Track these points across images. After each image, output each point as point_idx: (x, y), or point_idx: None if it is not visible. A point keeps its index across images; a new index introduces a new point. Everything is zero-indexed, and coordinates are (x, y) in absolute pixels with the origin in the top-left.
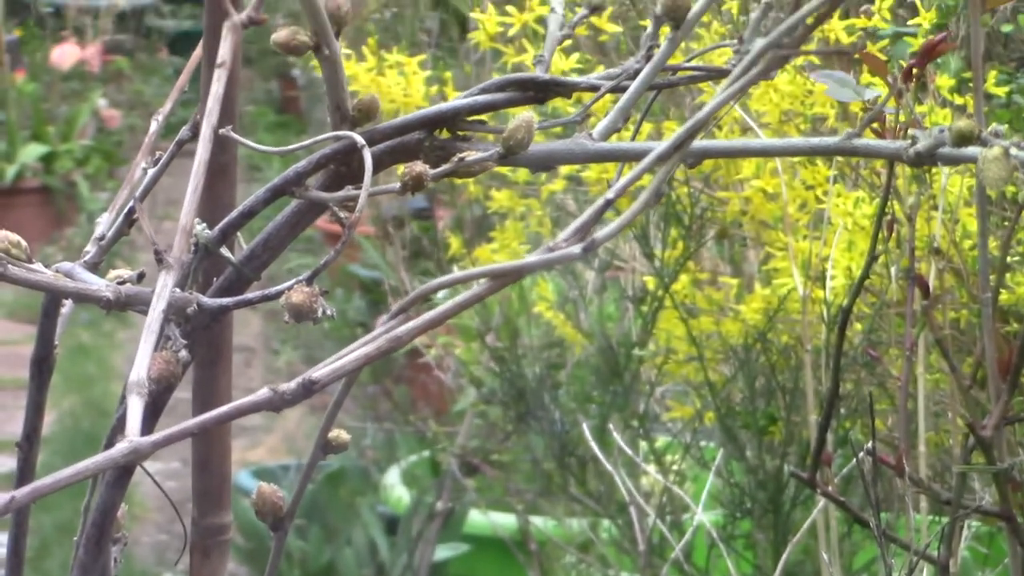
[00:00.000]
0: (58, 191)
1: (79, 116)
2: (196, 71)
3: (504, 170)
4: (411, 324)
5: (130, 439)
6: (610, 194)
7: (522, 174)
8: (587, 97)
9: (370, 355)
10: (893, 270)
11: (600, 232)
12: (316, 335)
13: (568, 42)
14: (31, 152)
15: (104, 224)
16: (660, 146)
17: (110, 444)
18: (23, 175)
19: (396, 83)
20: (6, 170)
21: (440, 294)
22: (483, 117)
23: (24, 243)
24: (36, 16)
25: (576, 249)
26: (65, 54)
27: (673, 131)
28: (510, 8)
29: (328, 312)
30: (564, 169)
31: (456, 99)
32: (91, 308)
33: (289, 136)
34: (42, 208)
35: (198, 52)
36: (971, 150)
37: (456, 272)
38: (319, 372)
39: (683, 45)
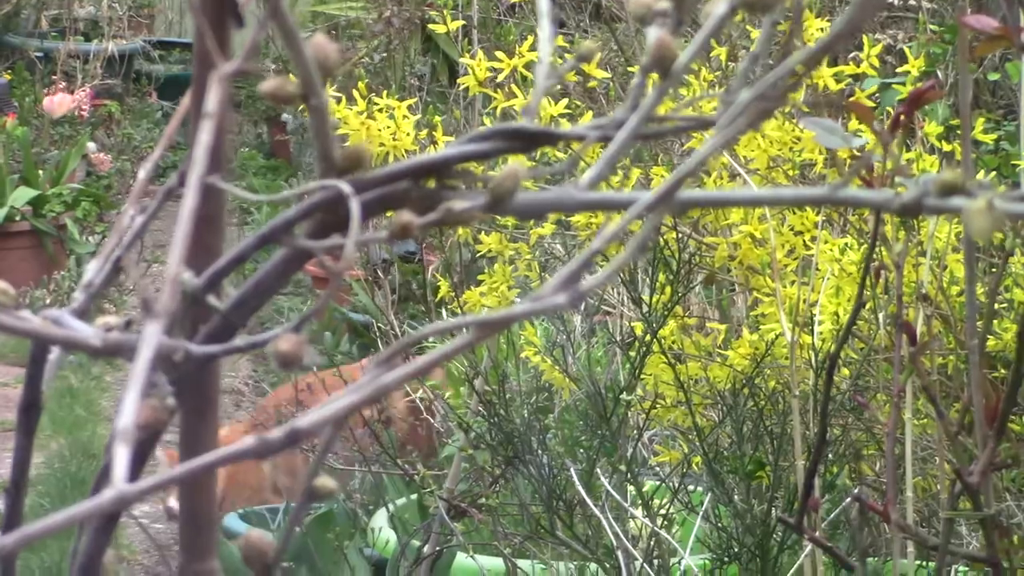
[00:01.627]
0: (48, 235)
1: (69, 160)
2: (186, 117)
3: None
4: (397, 372)
5: (116, 486)
6: (596, 244)
7: (511, 218)
8: (577, 145)
9: (355, 403)
10: (881, 316)
11: (586, 282)
12: None
13: (557, 87)
14: (20, 196)
15: (92, 271)
16: (646, 196)
17: (97, 490)
18: (12, 219)
19: (386, 127)
20: None
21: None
22: (472, 166)
23: (11, 290)
24: (25, 60)
25: (562, 299)
26: (57, 103)
27: (661, 177)
28: (499, 54)
29: (315, 360)
30: (552, 214)
31: (445, 149)
32: (79, 352)
33: (278, 180)
34: (31, 251)
35: (187, 101)
36: (956, 201)
37: (443, 321)
38: (304, 420)
39: (671, 91)
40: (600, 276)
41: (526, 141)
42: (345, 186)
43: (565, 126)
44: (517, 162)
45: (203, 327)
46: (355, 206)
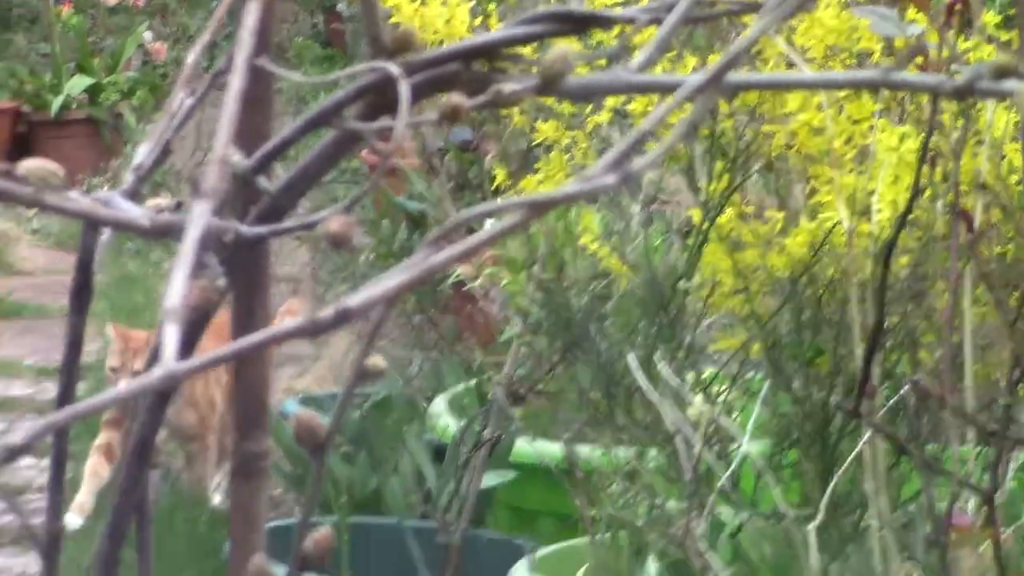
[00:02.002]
0: (104, 123)
1: (125, 49)
2: (237, 3)
3: (550, 101)
4: (447, 252)
5: (166, 364)
6: (646, 125)
7: (567, 105)
8: (628, 29)
9: (404, 283)
10: (939, 204)
11: (636, 163)
12: (363, 266)
13: None
14: (77, 84)
15: (142, 153)
16: (696, 78)
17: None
18: (68, 107)
19: (439, 14)
20: (52, 101)
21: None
22: (525, 50)
23: (62, 171)
24: None
25: (611, 179)
26: None
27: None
28: None
29: (363, 241)
30: (609, 101)
31: (494, 32)
32: (139, 239)
33: (334, 69)
34: (88, 140)
35: None
36: (1009, 83)
37: (493, 202)
38: (354, 300)
39: None
40: (650, 156)
41: (576, 24)
42: (394, 68)
43: None
44: (566, 45)
45: (253, 209)
46: (404, 88)
